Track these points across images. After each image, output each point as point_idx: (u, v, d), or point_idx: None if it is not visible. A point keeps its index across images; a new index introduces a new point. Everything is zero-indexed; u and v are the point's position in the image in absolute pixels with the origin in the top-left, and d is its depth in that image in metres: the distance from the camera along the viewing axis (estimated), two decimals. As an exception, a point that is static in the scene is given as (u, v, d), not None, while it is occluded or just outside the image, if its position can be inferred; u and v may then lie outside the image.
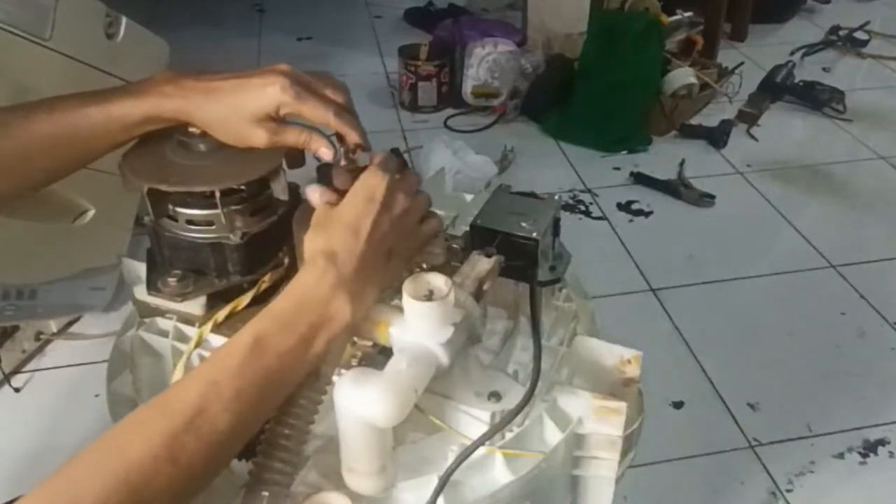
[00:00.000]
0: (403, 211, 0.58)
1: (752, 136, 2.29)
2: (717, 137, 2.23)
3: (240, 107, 0.62)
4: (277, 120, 0.64)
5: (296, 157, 0.68)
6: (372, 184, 0.57)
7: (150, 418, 0.50)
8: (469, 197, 0.87)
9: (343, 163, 0.64)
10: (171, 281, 0.66)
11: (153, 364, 0.70)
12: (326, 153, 0.64)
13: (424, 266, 0.65)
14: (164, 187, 0.62)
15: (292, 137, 0.64)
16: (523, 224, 0.66)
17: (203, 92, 0.63)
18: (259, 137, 0.63)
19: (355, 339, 0.60)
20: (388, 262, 0.58)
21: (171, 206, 0.65)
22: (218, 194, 0.62)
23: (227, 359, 0.52)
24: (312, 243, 0.57)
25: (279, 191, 0.66)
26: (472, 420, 0.59)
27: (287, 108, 0.62)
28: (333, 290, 0.54)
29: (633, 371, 0.69)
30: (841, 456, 1.31)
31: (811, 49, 2.79)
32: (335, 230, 0.56)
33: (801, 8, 3.10)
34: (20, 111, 0.63)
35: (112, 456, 0.47)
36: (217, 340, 0.65)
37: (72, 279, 1.40)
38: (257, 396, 0.51)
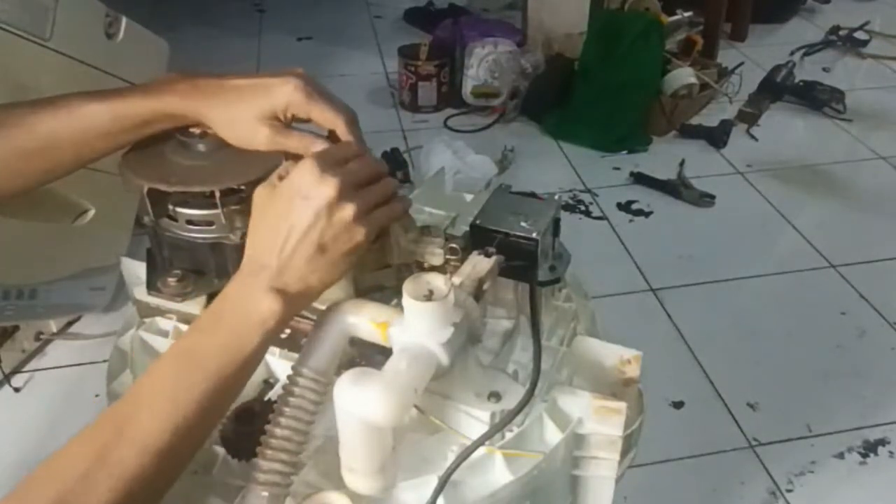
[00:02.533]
0: (333, 202, 0.54)
1: (752, 136, 2.29)
2: (717, 137, 2.23)
3: (250, 104, 0.62)
4: (284, 123, 0.63)
5: (296, 158, 0.67)
6: (296, 176, 0.55)
7: (84, 437, 0.50)
8: (469, 197, 0.87)
9: None
10: (171, 281, 0.66)
11: (153, 364, 0.70)
12: None
13: (425, 266, 0.65)
14: (163, 187, 0.62)
15: (294, 142, 0.63)
16: (523, 224, 0.66)
17: (216, 89, 0.62)
18: (263, 136, 0.62)
19: (355, 338, 0.60)
20: (323, 255, 0.55)
21: (170, 206, 0.65)
22: (218, 194, 0.62)
23: (158, 370, 0.52)
24: (247, 239, 0.57)
25: None
26: (472, 420, 0.59)
27: (296, 107, 0.62)
28: (254, 289, 0.54)
29: (633, 371, 0.69)
30: (841, 456, 1.31)
31: (811, 49, 2.80)
32: (259, 225, 0.56)
33: (801, 8, 3.10)
34: (22, 108, 0.63)
35: (47, 480, 0.48)
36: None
37: (72, 279, 1.40)
38: (193, 402, 0.51)
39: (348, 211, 0.54)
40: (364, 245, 0.57)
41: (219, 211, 0.63)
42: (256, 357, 0.54)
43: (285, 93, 0.61)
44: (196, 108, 0.63)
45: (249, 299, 0.54)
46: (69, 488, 0.47)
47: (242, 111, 0.62)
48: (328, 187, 0.54)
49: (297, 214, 0.54)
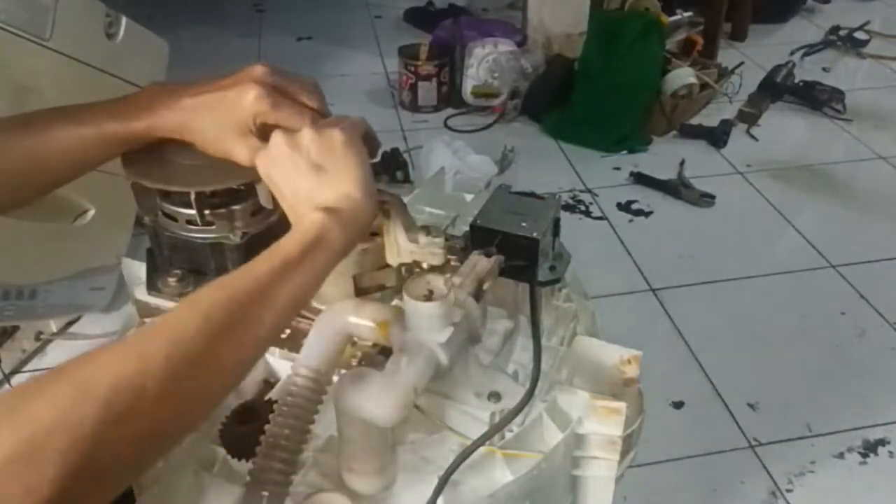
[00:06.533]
0: (313, 131, 0.57)
1: (752, 136, 2.29)
2: (717, 137, 2.23)
3: (221, 121, 0.61)
4: (259, 134, 0.62)
5: None
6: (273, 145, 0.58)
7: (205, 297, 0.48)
8: (469, 197, 0.87)
9: None
10: (171, 281, 0.66)
11: (153, 364, 0.70)
12: None
13: (425, 266, 0.65)
14: (148, 183, 0.62)
15: None
16: (523, 224, 0.66)
17: (191, 109, 0.62)
18: (242, 154, 0.61)
19: (355, 339, 0.60)
20: (322, 172, 0.56)
21: (169, 206, 0.65)
22: (193, 195, 0.62)
23: (283, 251, 0.51)
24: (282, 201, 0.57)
25: (263, 198, 0.65)
26: (472, 420, 0.59)
27: (263, 117, 0.61)
28: (333, 223, 0.53)
29: (633, 371, 0.69)
30: (841, 456, 1.32)
31: (811, 49, 2.80)
32: (278, 183, 0.57)
33: (801, 8, 3.10)
34: (16, 126, 0.63)
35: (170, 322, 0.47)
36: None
37: (72, 279, 1.40)
38: (312, 284, 0.51)
39: (322, 124, 0.57)
40: (353, 143, 0.58)
41: (208, 211, 0.63)
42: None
43: (248, 106, 0.61)
44: (178, 130, 0.63)
45: (329, 234, 0.53)
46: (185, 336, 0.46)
47: (217, 129, 0.62)
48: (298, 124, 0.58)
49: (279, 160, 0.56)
